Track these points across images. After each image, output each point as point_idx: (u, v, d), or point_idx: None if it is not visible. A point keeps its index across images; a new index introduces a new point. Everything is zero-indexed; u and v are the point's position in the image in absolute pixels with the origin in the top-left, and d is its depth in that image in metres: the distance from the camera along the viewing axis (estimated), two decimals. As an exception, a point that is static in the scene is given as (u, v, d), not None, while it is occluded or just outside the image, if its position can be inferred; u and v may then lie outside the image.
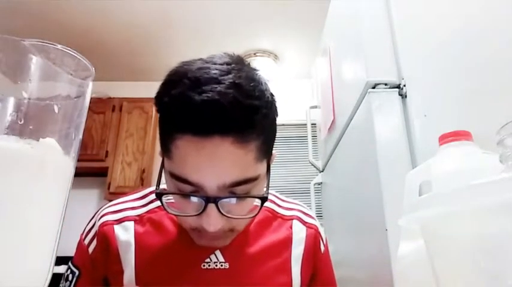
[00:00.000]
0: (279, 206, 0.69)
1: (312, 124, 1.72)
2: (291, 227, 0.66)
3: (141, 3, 2.37)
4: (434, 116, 0.79)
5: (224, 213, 0.47)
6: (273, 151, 0.56)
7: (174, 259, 0.58)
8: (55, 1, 2.34)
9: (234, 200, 0.49)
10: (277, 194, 0.72)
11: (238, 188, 0.48)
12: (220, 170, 0.46)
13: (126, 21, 2.56)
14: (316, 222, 0.70)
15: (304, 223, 0.68)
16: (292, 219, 0.67)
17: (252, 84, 0.47)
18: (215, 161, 0.45)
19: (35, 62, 0.24)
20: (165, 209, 0.51)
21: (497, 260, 0.26)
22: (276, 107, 0.54)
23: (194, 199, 0.48)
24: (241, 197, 0.49)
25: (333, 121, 1.28)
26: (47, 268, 0.24)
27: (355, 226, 1.03)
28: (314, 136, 1.75)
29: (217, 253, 0.59)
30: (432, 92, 0.82)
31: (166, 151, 0.49)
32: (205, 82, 0.44)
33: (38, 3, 2.35)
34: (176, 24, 2.60)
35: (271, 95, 0.52)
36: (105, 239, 0.59)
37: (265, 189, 0.54)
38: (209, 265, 0.58)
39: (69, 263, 0.62)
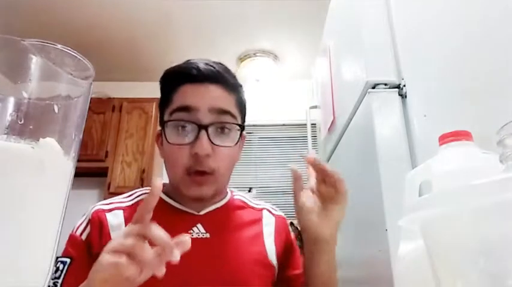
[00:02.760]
0: (251, 201, 0.80)
1: (312, 124, 1.72)
2: (261, 214, 0.77)
3: (142, 3, 2.37)
4: (434, 116, 0.79)
5: (212, 140, 0.62)
6: (244, 133, 0.71)
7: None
8: (55, 1, 2.34)
9: (219, 132, 0.64)
10: (248, 196, 0.82)
11: (223, 117, 0.64)
12: (210, 97, 0.64)
13: (126, 21, 2.56)
14: (283, 216, 0.80)
15: (272, 214, 0.78)
16: (262, 210, 0.78)
17: (231, 71, 0.70)
18: (206, 91, 0.65)
19: (35, 62, 0.24)
20: (166, 139, 0.63)
21: (497, 260, 0.26)
22: (244, 95, 0.73)
23: (189, 129, 0.63)
24: (224, 123, 0.64)
25: (333, 121, 1.28)
26: (47, 268, 0.24)
27: (355, 226, 1.03)
28: (314, 136, 1.74)
29: (199, 225, 0.68)
30: (432, 92, 0.82)
31: (167, 103, 0.66)
32: (198, 61, 0.67)
33: (38, 3, 2.35)
34: (176, 24, 2.60)
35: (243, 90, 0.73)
36: (98, 221, 0.65)
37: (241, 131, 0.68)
38: (192, 235, 0.65)
39: (57, 259, 0.63)
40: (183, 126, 0.63)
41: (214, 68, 0.66)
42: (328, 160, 1.43)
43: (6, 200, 0.22)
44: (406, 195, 0.43)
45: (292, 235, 0.78)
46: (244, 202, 0.78)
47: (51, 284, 0.60)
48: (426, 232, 0.34)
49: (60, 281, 0.60)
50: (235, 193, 0.80)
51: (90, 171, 2.85)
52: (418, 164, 0.55)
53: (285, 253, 0.74)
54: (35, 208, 0.24)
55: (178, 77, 0.66)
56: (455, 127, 0.40)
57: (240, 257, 0.67)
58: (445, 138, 0.39)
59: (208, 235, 0.67)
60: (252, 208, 0.78)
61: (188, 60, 0.69)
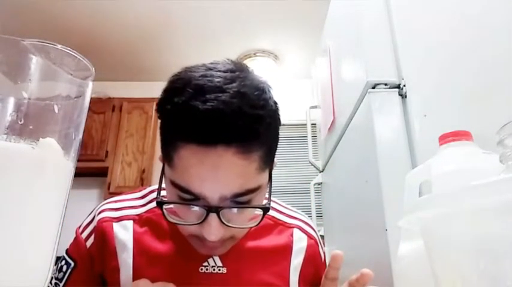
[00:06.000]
0: (281, 213, 0.68)
1: (312, 124, 1.72)
2: (291, 235, 0.65)
3: (141, 3, 2.36)
4: (434, 116, 0.79)
5: (225, 222, 0.47)
6: (274, 159, 0.55)
7: (171, 261, 0.58)
8: (55, 1, 2.34)
9: (235, 209, 0.48)
10: (279, 202, 0.71)
11: (240, 199, 0.47)
12: (222, 182, 0.45)
13: (126, 22, 2.56)
14: (316, 235, 0.70)
15: (305, 232, 0.67)
16: (293, 227, 0.67)
17: (256, 93, 0.46)
18: (218, 173, 0.45)
19: (35, 62, 0.24)
20: (165, 218, 0.50)
21: (497, 261, 0.26)
22: (279, 115, 0.53)
23: (195, 208, 0.48)
24: (242, 207, 0.49)
25: (333, 121, 1.28)
26: (47, 268, 0.24)
27: (355, 226, 1.03)
28: (314, 136, 1.74)
29: (215, 257, 0.59)
30: (432, 92, 0.82)
31: (168, 159, 0.49)
32: (209, 91, 0.44)
33: (38, 4, 2.35)
34: (176, 25, 2.60)
35: (275, 103, 0.51)
36: (103, 235, 0.59)
37: (266, 197, 0.53)
38: (207, 269, 0.58)
39: (64, 254, 0.61)
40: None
41: (228, 118, 0.43)
42: (328, 160, 1.43)
43: (6, 201, 0.22)
44: (405, 195, 0.43)
45: (323, 256, 0.69)
46: (273, 218, 0.66)
47: (53, 283, 0.59)
48: (426, 233, 0.34)
49: (61, 284, 0.59)
50: None
51: (90, 171, 2.86)
52: (418, 164, 0.55)
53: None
54: (35, 208, 0.24)
55: (179, 129, 0.45)
56: (455, 127, 0.40)
57: None
58: (445, 138, 0.39)
59: (225, 270, 0.58)
60: (283, 224, 0.66)
61: (190, 83, 0.45)
